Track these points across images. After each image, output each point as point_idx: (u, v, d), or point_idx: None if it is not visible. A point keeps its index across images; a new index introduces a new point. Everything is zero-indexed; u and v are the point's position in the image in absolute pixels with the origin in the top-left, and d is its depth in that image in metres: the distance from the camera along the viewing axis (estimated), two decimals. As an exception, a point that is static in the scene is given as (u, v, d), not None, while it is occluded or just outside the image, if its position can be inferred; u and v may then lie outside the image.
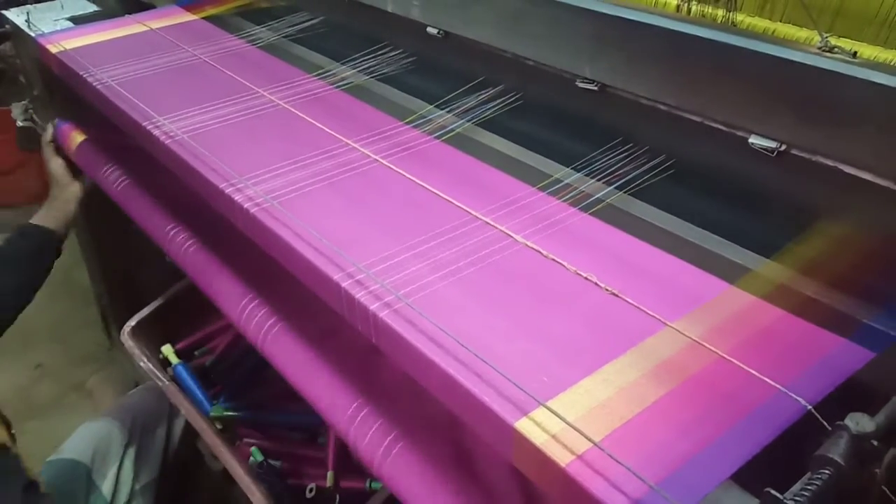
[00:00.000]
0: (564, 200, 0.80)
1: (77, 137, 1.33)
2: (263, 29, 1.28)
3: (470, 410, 0.58)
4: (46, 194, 1.33)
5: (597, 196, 0.80)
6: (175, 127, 0.95)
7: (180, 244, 1.08)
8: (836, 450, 0.44)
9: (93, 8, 1.47)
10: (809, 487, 0.43)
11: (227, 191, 0.82)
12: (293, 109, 1.00)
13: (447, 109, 0.98)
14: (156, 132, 0.94)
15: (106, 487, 1.08)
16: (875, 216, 0.67)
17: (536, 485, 0.56)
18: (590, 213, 0.78)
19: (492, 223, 0.76)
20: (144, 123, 0.96)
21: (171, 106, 1.00)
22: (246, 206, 0.80)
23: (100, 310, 2.01)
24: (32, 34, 1.29)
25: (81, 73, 1.10)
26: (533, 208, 0.79)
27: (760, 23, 0.81)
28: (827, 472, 0.44)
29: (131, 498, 1.09)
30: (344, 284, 0.69)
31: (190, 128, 0.95)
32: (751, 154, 0.72)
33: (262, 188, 0.82)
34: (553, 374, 0.58)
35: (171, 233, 1.10)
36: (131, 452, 1.13)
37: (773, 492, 0.42)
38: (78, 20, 1.38)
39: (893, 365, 0.58)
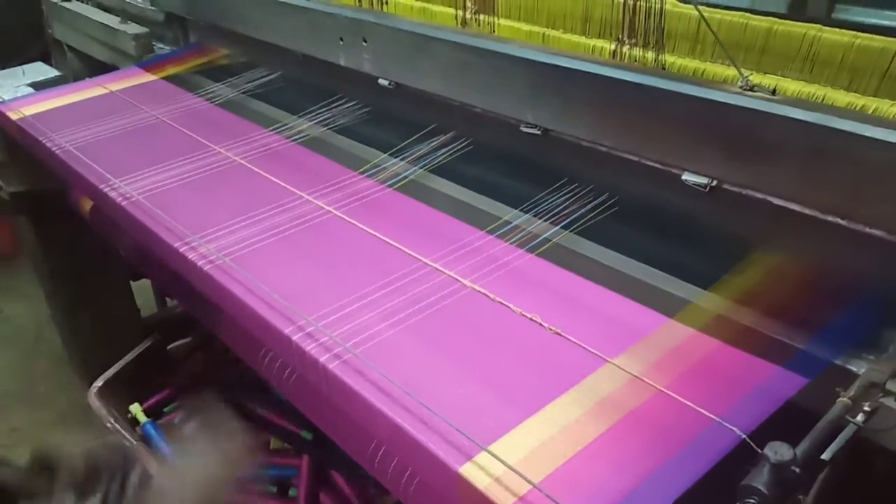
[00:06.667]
0: (512, 242, 0.82)
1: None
2: (222, 86, 1.30)
3: (416, 456, 0.59)
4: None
5: (544, 236, 0.82)
6: (131, 188, 0.96)
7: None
8: (760, 479, 0.45)
9: (54, 73, 1.49)
10: (736, 517, 0.44)
11: (181, 249, 0.84)
12: (249, 165, 1.02)
13: (400, 157, 1.00)
14: (112, 194, 0.95)
15: None
16: (804, 244, 0.69)
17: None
18: (536, 254, 0.80)
19: (440, 269, 0.78)
20: (101, 186, 0.98)
21: (127, 167, 1.02)
22: (199, 263, 0.81)
23: (73, 370, 1.98)
24: (-7, 102, 1.31)
25: (40, 138, 1.12)
26: (481, 252, 0.81)
27: (691, 63, 0.84)
28: (752, 501, 0.45)
29: None
30: (294, 338, 0.70)
31: (145, 188, 0.96)
32: (685, 190, 0.75)
33: (216, 245, 0.84)
34: (497, 417, 0.59)
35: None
36: None
37: (699, 524, 0.43)
38: (38, 86, 1.40)
39: (826, 389, 0.60)
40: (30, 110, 1.22)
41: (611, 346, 0.65)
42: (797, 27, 0.76)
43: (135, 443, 1.18)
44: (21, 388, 2.18)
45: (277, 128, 1.13)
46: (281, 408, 1.25)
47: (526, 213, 0.86)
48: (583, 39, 0.93)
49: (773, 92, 0.71)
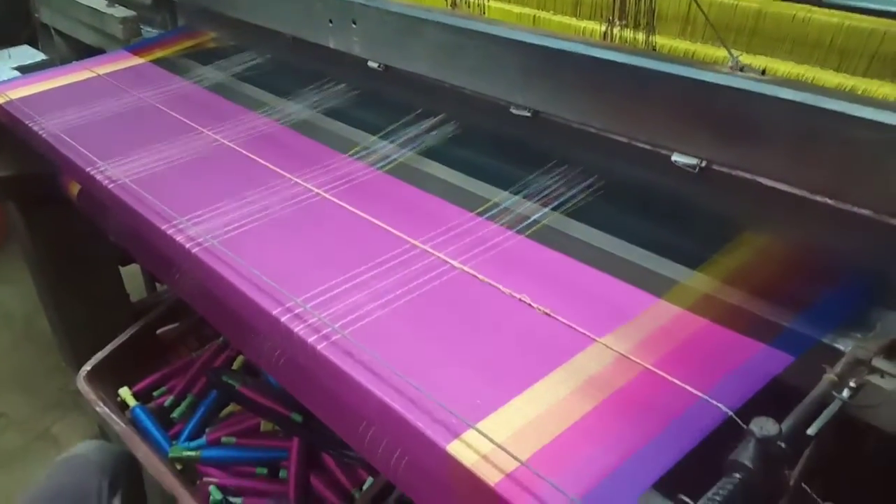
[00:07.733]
0: (502, 224, 0.82)
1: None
2: (211, 69, 1.30)
3: (405, 436, 0.59)
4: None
5: (533, 218, 0.82)
6: (118, 171, 0.95)
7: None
8: (746, 454, 0.46)
9: (41, 56, 1.48)
10: (721, 492, 0.45)
11: (168, 232, 0.83)
12: (237, 147, 1.01)
13: (390, 140, 1.00)
14: (99, 177, 0.95)
15: None
16: (793, 224, 0.69)
17: (472, 505, 0.57)
18: (526, 235, 0.80)
19: (430, 250, 0.78)
20: (88, 169, 0.97)
21: (115, 150, 1.01)
22: (188, 246, 0.81)
23: (62, 355, 1.98)
24: (-22, 85, 1.29)
25: (26, 122, 1.11)
26: (471, 233, 0.81)
27: (681, 44, 0.84)
28: (737, 476, 0.45)
29: None
30: (283, 319, 0.70)
31: (133, 171, 0.96)
32: (675, 171, 0.75)
33: (204, 227, 0.83)
34: (485, 396, 0.60)
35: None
36: None
37: (684, 498, 0.44)
38: (25, 69, 1.38)
39: (813, 367, 0.60)
40: (16, 94, 1.21)
41: (599, 325, 0.65)
42: (787, 8, 0.76)
43: (123, 426, 1.18)
44: (10, 373, 2.18)
45: (266, 111, 1.13)
46: (270, 390, 1.25)
47: (516, 194, 0.86)
48: (573, 21, 0.92)
49: (763, 73, 0.71)
